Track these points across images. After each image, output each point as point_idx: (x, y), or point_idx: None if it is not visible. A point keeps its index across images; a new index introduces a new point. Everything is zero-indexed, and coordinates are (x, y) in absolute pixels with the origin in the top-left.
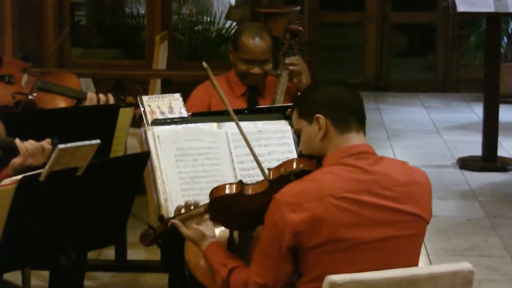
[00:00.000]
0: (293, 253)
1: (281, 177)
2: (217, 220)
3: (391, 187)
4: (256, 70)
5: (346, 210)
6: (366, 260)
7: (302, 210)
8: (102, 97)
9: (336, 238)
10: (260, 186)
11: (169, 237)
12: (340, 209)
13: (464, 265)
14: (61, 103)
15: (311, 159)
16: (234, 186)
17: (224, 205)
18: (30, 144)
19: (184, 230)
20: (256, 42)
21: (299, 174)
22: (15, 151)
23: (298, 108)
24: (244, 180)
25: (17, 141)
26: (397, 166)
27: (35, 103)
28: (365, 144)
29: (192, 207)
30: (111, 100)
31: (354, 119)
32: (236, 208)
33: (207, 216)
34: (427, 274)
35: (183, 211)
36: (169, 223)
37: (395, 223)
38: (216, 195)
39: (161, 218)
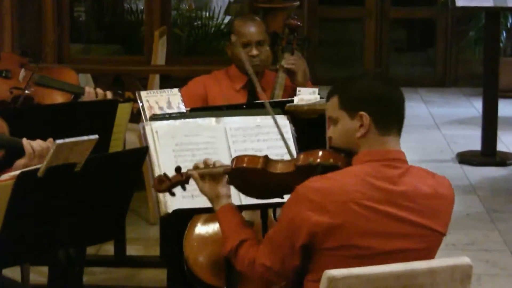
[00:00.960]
0: (304, 250)
1: (308, 165)
2: (234, 184)
3: (416, 200)
4: (254, 51)
5: (366, 218)
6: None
7: (322, 211)
8: (100, 91)
9: (351, 244)
10: (285, 166)
11: (168, 232)
12: (360, 216)
13: (463, 260)
14: (59, 97)
15: (340, 154)
16: (259, 160)
17: (245, 174)
18: (37, 144)
19: (201, 184)
20: (248, 24)
21: (327, 168)
22: (20, 152)
23: (340, 97)
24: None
25: (24, 141)
26: (424, 177)
27: (33, 98)
28: (399, 150)
29: (211, 166)
30: (109, 96)
31: (396, 122)
32: (256, 180)
33: (223, 176)
34: (426, 269)
35: (201, 167)
36: (186, 174)
37: (412, 236)
38: (240, 164)
39: (178, 168)
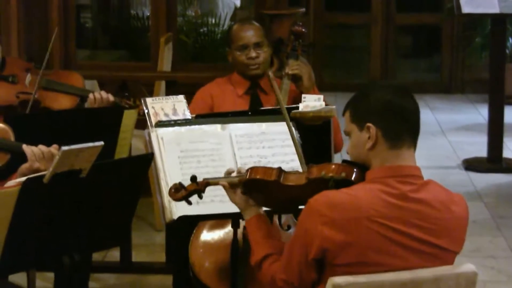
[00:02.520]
0: (319, 263)
1: (320, 179)
2: (248, 195)
3: (429, 219)
4: (253, 53)
5: (379, 236)
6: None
7: (334, 226)
8: (103, 94)
9: (362, 262)
10: (297, 179)
11: (174, 239)
12: (374, 234)
13: (467, 267)
14: (65, 101)
15: (353, 168)
16: (273, 172)
17: (259, 185)
18: (37, 148)
19: (231, 194)
20: (245, 28)
21: (339, 183)
22: (23, 156)
23: (350, 110)
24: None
25: (24, 146)
26: (439, 195)
27: (40, 102)
28: (414, 166)
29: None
30: (111, 98)
31: (408, 133)
32: (270, 191)
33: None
34: (431, 276)
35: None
36: (203, 183)
37: (425, 255)
38: (254, 176)
39: (193, 178)
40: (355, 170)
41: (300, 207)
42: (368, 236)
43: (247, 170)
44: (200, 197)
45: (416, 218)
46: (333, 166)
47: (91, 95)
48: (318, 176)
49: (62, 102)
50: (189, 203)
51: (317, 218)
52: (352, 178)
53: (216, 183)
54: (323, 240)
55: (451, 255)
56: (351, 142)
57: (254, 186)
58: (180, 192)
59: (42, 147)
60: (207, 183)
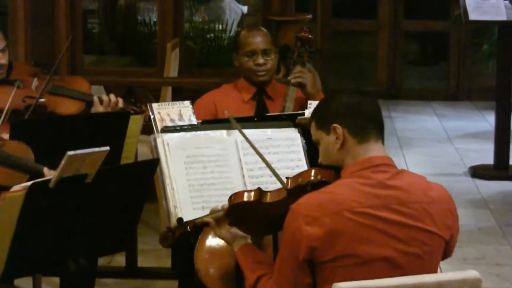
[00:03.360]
0: (310, 265)
1: (298, 187)
2: (235, 224)
3: (408, 204)
4: (260, 60)
5: (363, 225)
6: (380, 275)
7: (317, 223)
8: (112, 98)
9: (350, 253)
10: (278, 194)
11: (180, 244)
12: (357, 224)
13: (471, 273)
14: (72, 106)
15: (329, 170)
16: (252, 193)
17: (242, 211)
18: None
19: (217, 230)
20: (253, 34)
21: (317, 185)
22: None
23: (315, 119)
24: (256, 188)
25: (45, 170)
26: (415, 182)
27: (46, 107)
28: (384, 156)
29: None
30: (121, 103)
31: (373, 127)
32: (254, 214)
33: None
34: (435, 282)
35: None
36: (190, 224)
37: (411, 240)
38: (235, 201)
39: (180, 220)
40: (331, 172)
41: None
42: (351, 227)
43: (229, 198)
44: (189, 240)
45: (395, 204)
46: (308, 172)
47: (95, 98)
48: (296, 185)
49: (69, 107)
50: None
51: (300, 219)
52: (329, 179)
53: (202, 221)
54: (309, 239)
55: (438, 239)
56: (321, 149)
57: (239, 212)
58: (169, 239)
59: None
60: (194, 224)
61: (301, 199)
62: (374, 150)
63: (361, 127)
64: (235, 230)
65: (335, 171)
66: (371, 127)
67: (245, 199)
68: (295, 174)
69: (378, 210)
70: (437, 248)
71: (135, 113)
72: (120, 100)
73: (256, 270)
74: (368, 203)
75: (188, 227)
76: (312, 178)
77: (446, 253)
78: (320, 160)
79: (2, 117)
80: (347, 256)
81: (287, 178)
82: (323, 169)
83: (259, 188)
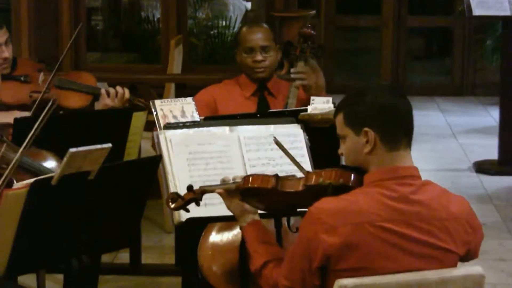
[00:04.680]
0: (322, 270)
1: (318, 186)
2: (246, 201)
3: (429, 220)
4: (259, 57)
5: (381, 240)
6: None
7: (336, 233)
8: (119, 89)
9: (365, 266)
10: (295, 185)
11: (183, 241)
12: (376, 239)
13: (475, 269)
14: (79, 99)
15: (352, 173)
16: (270, 180)
17: (256, 193)
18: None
19: (227, 201)
20: (253, 30)
21: (338, 188)
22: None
23: (344, 113)
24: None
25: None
26: (437, 196)
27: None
28: (411, 166)
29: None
30: (127, 94)
31: (404, 135)
32: (268, 198)
33: (236, 193)
34: (438, 278)
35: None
36: (200, 191)
37: (427, 257)
38: (251, 185)
39: (189, 187)
40: (352, 175)
41: (299, 210)
42: (369, 241)
43: (244, 178)
44: (198, 204)
45: (416, 220)
46: (331, 173)
47: (103, 90)
48: (316, 183)
49: (76, 100)
50: (187, 211)
51: (318, 226)
52: (350, 183)
53: (212, 190)
54: (326, 248)
55: (453, 256)
56: (346, 146)
57: (252, 193)
58: (177, 202)
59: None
60: (204, 190)
61: (321, 203)
62: (402, 159)
63: (393, 135)
64: (244, 204)
65: (357, 174)
66: (403, 134)
67: (262, 184)
68: (314, 170)
69: (399, 225)
70: (451, 264)
71: (143, 105)
72: (127, 91)
73: (264, 254)
74: (389, 217)
75: (197, 194)
76: (334, 181)
77: (469, 258)
78: (342, 153)
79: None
80: (362, 269)
81: (308, 172)
82: (345, 171)
83: (276, 175)
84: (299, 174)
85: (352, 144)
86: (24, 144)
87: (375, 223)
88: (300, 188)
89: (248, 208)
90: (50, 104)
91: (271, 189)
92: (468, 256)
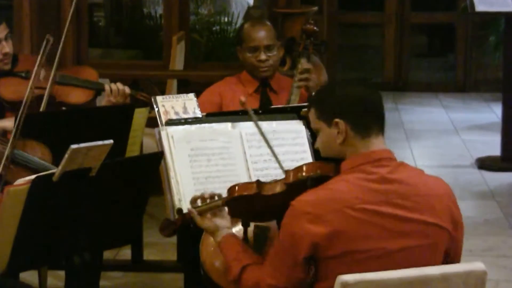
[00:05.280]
0: (308, 261)
1: (299, 181)
2: (236, 215)
3: (409, 197)
4: (263, 56)
5: (365, 222)
6: (384, 269)
7: (320, 221)
8: (120, 86)
9: (354, 250)
10: (277, 187)
11: (185, 237)
12: (359, 221)
13: (477, 265)
14: (80, 95)
15: (329, 163)
16: (252, 186)
17: (242, 202)
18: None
19: (199, 220)
20: (257, 29)
21: (317, 180)
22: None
23: (315, 108)
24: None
25: (106, 85)
26: (415, 175)
27: (55, 97)
28: (385, 149)
29: (208, 200)
30: (127, 90)
31: (374, 122)
32: (253, 205)
33: (223, 208)
34: (440, 274)
35: (199, 202)
36: (189, 214)
37: (413, 233)
38: (234, 194)
39: (179, 211)
40: (329, 165)
41: None
42: (353, 224)
43: (227, 191)
44: (190, 227)
45: (398, 198)
46: (308, 166)
47: (107, 86)
48: (295, 179)
49: (78, 96)
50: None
51: (302, 217)
52: (328, 174)
53: (202, 211)
54: (312, 236)
55: (440, 231)
56: (320, 139)
57: (238, 204)
58: (169, 229)
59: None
60: (191, 211)
61: (301, 196)
62: (375, 144)
63: (364, 123)
64: (217, 220)
65: (334, 163)
66: (373, 122)
67: (245, 192)
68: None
69: (380, 205)
70: (440, 240)
71: (145, 99)
72: (127, 88)
73: (241, 260)
74: (369, 199)
75: (188, 217)
76: (312, 173)
77: (452, 255)
78: (318, 147)
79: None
80: (350, 253)
81: (287, 171)
82: (323, 163)
83: (258, 181)
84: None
85: (325, 137)
86: (13, 133)
87: (356, 206)
88: (282, 188)
89: (222, 224)
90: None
91: (254, 195)
92: (456, 244)
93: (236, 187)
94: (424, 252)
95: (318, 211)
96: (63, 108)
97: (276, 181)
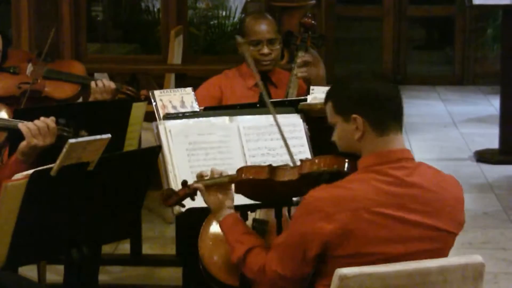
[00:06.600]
0: (316, 258)
1: (312, 173)
2: (241, 193)
3: (424, 202)
4: (265, 50)
5: (378, 225)
6: None
7: (333, 220)
8: (106, 82)
9: (363, 252)
10: (290, 175)
11: (184, 231)
12: (373, 224)
13: (475, 258)
14: (66, 89)
15: (344, 158)
16: (264, 170)
17: (251, 184)
18: (32, 124)
19: (206, 195)
20: (259, 22)
21: (332, 175)
22: (21, 135)
23: (333, 102)
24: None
25: (19, 124)
26: (432, 177)
27: (41, 91)
28: (403, 149)
29: (216, 176)
30: (112, 85)
31: (393, 119)
32: (262, 188)
33: (229, 186)
34: (438, 267)
35: (206, 177)
36: (192, 187)
37: (422, 238)
38: (245, 177)
39: (184, 182)
40: (346, 160)
41: (295, 198)
42: (367, 226)
43: (238, 170)
44: (193, 199)
45: (413, 203)
46: (325, 160)
47: (92, 83)
48: (310, 171)
49: (63, 90)
50: (182, 206)
51: (315, 214)
52: (345, 169)
53: (207, 185)
54: (324, 235)
55: (450, 236)
56: (337, 133)
57: (246, 185)
58: (172, 198)
59: (37, 122)
60: (197, 186)
61: (316, 191)
62: (393, 142)
63: (382, 120)
64: (222, 196)
65: (350, 158)
66: (392, 119)
67: (256, 176)
68: (307, 158)
69: (395, 209)
70: (447, 245)
71: (131, 93)
72: (112, 83)
73: (246, 242)
74: (385, 202)
75: (191, 189)
76: (328, 167)
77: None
78: (335, 141)
79: None
80: (361, 255)
81: (301, 160)
82: (339, 157)
83: (270, 165)
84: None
85: (342, 132)
86: None
87: (371, 208)
88: (295, 176)
89: (227, 204)
90: None
91: (265, 180)
92: None
93: (248, 169)
94: (431, 256)
95: (331, 209)
96: (55, 104)
97: (289, 168)
